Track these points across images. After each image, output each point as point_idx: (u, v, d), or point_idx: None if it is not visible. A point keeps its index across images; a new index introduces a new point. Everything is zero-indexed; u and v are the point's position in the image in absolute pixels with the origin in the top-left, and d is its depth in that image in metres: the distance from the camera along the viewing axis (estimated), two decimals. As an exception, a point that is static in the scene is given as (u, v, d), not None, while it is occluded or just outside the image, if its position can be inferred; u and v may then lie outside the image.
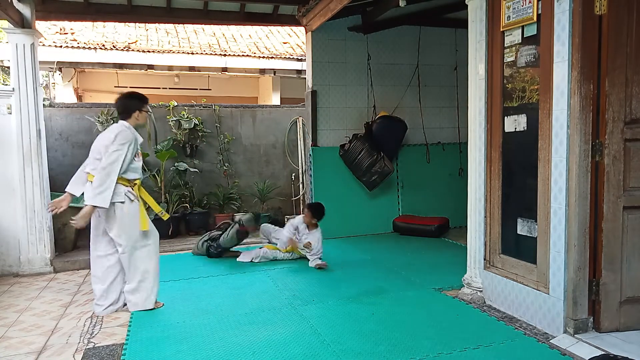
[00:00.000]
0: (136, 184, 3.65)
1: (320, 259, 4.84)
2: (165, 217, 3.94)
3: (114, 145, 3.46)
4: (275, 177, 7.17)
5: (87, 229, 6.13)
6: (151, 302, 3.64)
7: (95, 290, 3.68)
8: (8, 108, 4.96)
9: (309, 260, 4.88)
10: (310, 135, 6.11)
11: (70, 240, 5.64)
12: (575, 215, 2.84)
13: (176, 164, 6.46)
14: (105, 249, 3.65)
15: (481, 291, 3.65)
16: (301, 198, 7.11)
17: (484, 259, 3.61)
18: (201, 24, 9.15)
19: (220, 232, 5.29)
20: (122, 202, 3.51)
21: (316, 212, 5.02)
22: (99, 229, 3.64)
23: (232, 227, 5.20)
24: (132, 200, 3.56)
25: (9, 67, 6.32)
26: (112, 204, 3.47)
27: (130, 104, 3.67)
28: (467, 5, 3.67)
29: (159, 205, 3.88)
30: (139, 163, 3.71)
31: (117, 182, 3.46)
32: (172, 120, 6.55)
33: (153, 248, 3.66)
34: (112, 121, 6.25)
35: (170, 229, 6.04)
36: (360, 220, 6.22)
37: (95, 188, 3.43)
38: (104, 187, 3.41)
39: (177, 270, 4.71)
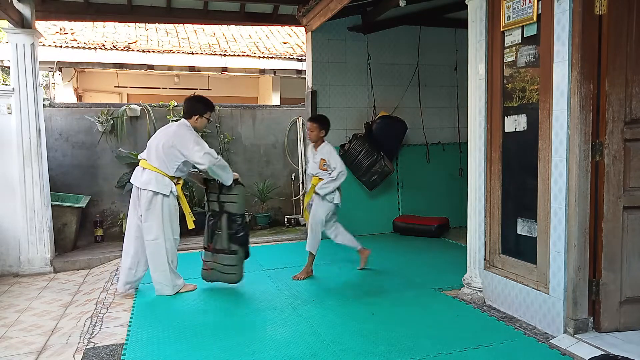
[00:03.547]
0: (180, 183, 3.90)
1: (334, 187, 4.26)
2: (191, 226, 3.96)
3: (191, 142, 3.72)
4: (275, 177, 7.16)
5: (85, 228, 6.14)
6: (172, 290, 3.90)
7: (125, 268, 3.89)
8: (8, 108, 4.97)
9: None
10: (310, 135, 6.10)
11: (70, 240, 5.64)
12: (575, 215, 2.84)
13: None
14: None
15: (481, 291, 3.65)
16: (301, 198, 7.11)
17: (484, 259, 3.61)
18: (201, 24, 9.15)
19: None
20: (167, 196, 3.75)
21: (324, 123, 4.43)
22: (137, 212, 3.84)
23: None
24: (175, 196, 3.82)
25: (9, 67, 6.32)
26: (156, 193, 3.72)
27: (194, 107, 3.89)
28: (467, 5, 3.68)
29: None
30: (189, 164, 3.89)
31: (165, 176, 3.75)
32: (172, 120, 6.54)
33: (176, 242, 3.91)
34: (112, 121, 6.27)
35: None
36: (360, 220, 6.22)
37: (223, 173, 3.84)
38: (225, 169, 3.85)
39: (177, 270, 4.70)
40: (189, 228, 3.96)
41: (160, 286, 3.90)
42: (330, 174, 4.28)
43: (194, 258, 5.24)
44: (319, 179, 4.34)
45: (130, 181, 3.85)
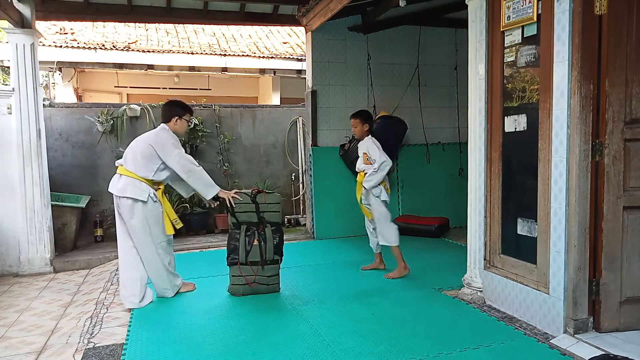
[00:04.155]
0: (160, 188, 3.75)
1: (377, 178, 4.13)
2: (179, 225, 3.87)
3: (169, 144, 3.64)
4: (275, 177, 7.16)
5: (85, 228, 6.14)
6: (172, 292, 3.86)
7: (127, 282, 3.66)
8: (8, 108, 4.97)
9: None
10: (310, 135, 6.11)
11: (70, 240, 5.64)
12: (575, 215, 2.84)
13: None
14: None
15: (481, 291, 3.65)
16: (301, 198, 7.12)
17: (484, 259, 3.61)
18: (201, 24, 9.16)
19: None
20: (144, 202, 3.59)
21: (365, 117, 4.34)
22: (122, 221, 3.72)
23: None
24: (155, 202, 3.66)
25: (9, 67, 6.32)
26: (135, 200, 3.58)
27: (170, 110, 3.81)
28: (467, 5, 3.67)
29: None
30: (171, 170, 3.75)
31: (142, 181, 3.61)
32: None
33: (169, 243, 3.82)
34: (112, 121, 6.27)
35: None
36: (360, 220, 6.16)
37: (200, 185, 3.74)
38: (202, 177, 3.74)
39: (177, 270, 4.70)
40: (168, 233, 3.78)
41: (160, 290, 3.85)
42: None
43: (194, 258, 5.26)
44: (364, 173, 4.28)
45: (109, 190, 3.70)
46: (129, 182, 3.60)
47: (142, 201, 3.59)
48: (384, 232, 4.32)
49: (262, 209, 3.85)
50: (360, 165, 4.36)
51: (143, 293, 3.70)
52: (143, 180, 3.62)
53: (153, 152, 3.62)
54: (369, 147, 4.27)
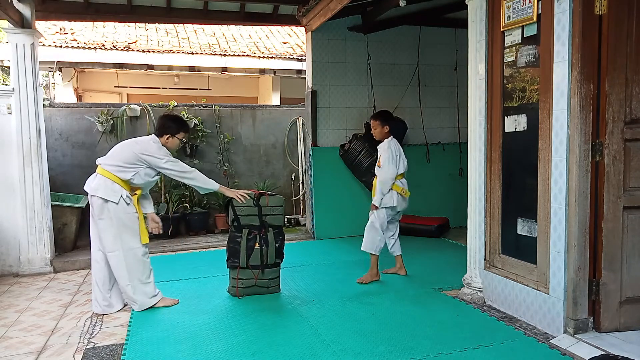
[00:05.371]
0: (137, 194, 3.63)
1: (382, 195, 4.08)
2: (145, 241, 3.61)
3: (160, 154, 3.57)
4: (275, 177, 7.17)
5: (85, 228, 6.14)
6: (137, 307, 3.60)
7: (94, 286, 3.61)
8: (8, 108, 4.96)
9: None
10: (310, 135, 6.11)
11: (70, 240, 5.64)
12: (575, 215, 2.84)
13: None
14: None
15: (481, 291, 3.65)
16: (301, 198, 7.12)
17: (484, 259, 3.61)
18: (201, 24, 9.15)
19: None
20: (116, 203, 3.48)
21: (385, 118, 4.21)
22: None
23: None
24: (128, 204, 3.53)
25: (9, 67, 6.32)
26: (105, 200, 3.48)
27: (165, 125, 3.66)
28: (467, 5, 3.68)
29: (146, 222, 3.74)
30: (154, 179, 3.67)
31: (116, 182, 3.51)
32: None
33: (140, 256, 3.58)
34: (112, 121, 6.27)
35: (170, 229, 6.04)
36: (360, 220, 6.15)
37: (202, 183, 3.71)
38: (201, 179, 3.69)
39: (177, 270, 4.71)
40: (144, 242, 3.57)
41: (126, 299, 3.65)
42: None
43: (194, 258, 5.26)
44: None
45: (84, 188, 3.58)
46: (102, 182, 3.49)
47: (113, 202, 3.46)
48: (368, 236, 4.26)
49: (264, 212, 3.81)
50: (376, 168, 4.24)
51: (109, 298, 3.61)
52: (118, 181, 3.50)
53: (136, 157, 3.52)
54: (384, 151, 4.14)
